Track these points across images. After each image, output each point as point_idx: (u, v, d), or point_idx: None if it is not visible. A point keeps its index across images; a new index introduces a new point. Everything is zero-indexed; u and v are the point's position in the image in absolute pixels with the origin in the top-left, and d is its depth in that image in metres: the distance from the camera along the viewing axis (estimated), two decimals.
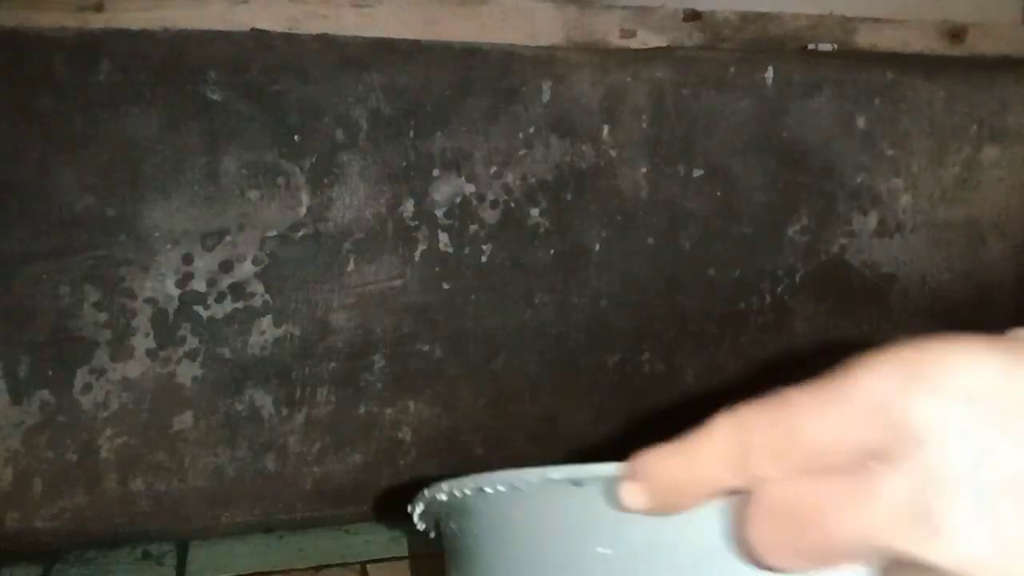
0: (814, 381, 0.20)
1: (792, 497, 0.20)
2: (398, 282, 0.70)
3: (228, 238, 0.66)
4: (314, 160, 0.66)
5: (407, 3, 0.67)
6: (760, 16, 0.76)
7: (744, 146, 0.75)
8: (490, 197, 0.71)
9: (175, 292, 0.66)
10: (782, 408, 0.20)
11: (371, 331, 0.70)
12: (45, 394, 0.65)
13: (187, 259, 0.65)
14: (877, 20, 0.78)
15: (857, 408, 0.18)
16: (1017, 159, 0.83)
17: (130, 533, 0.69)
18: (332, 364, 0.70)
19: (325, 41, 0.65)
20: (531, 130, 0.70)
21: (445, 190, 0.70)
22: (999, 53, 0.81)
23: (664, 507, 0.23)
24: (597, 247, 0.74)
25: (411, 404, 0.72)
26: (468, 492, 0.33)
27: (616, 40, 0.72)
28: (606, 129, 0.72)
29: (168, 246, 0.65)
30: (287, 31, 0.65)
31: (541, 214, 0.72)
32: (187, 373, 0.67)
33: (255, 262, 0.67)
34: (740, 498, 0.22)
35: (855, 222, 0.80)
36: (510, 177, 0.71)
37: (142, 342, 0.66)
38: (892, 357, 0.18)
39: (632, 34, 0.72)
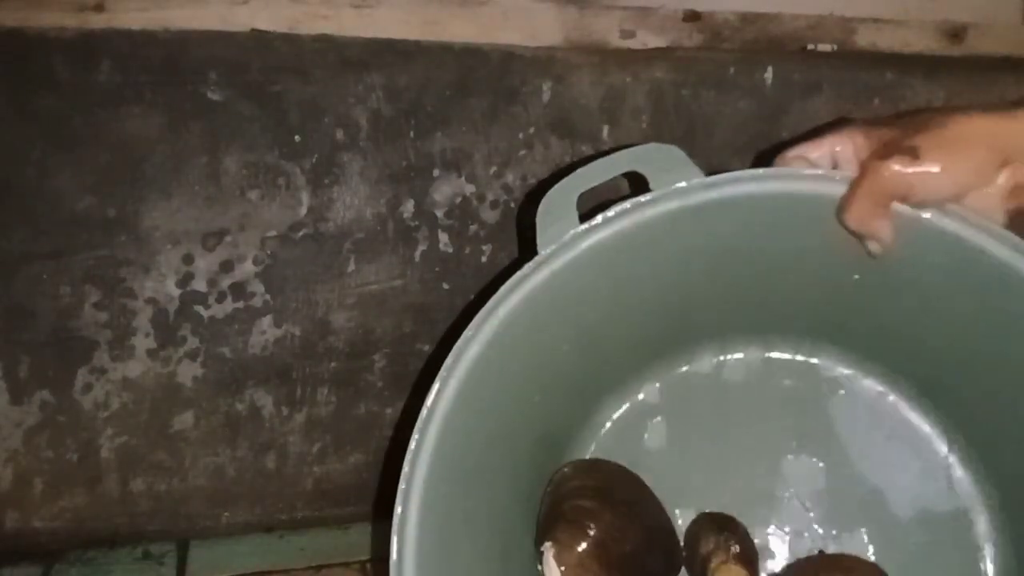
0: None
1: None
2: (398, 282, 0.70)
3: (228, 238, 0.66)
4: (314, 160, 0.66)
5: (407, 3, 0.67)
6: (760, 17, 0.76)
7: (744, 146, 0.75)
8: (490, 197, 0.71)
9: (175, 292, 0.66)
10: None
11: (371, 331, 0.70)
12: (45, 394, 0.65)
13: (188, 259, 0.65)
14: (877, 20, 0.78)
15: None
16: None
17: (130, 533, 0.69)
18: (332, 364, 0.70)
19: (325, 41, 0.65)
20: (531, 130, 0.70)
21: (445, 190, 0.70)
22: (999, 53, 0.81)
23: None
24: None
25: (411, 404, 0.73)
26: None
27: (616, 41, 0.72)
28: (606, 129, 0.72)
29: (168, 246, 0.65)
30: (287, 31, 0.65)
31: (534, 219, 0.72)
32: (187, 373, 0.67)
33: (255, 262, 0.67)
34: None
35: None
36: (510, 177, 0.71)
37: (142, 342, 0.66)
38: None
39: (632, 35, 0.72)
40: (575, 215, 0.42)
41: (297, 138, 0.66)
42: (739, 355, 0.52)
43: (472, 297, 0.72)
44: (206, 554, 0.69)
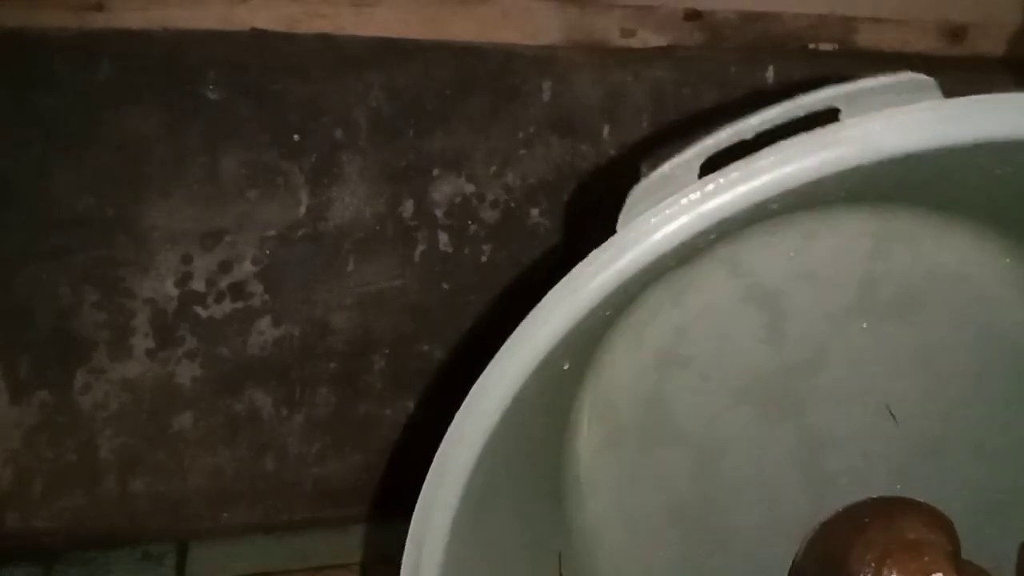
0: None
1: None
2: (398, 282, 0.70)
3: (227, 238, 0.66)
4: (313, 160, 0.66)
5: (407, 2, 0.67)
6: (761, 16, 0.75)
7: None
8: (490, 197, 0.71)
9: (174, 292, 0.66)
10: None
11: (371, 331, 0.70)
12: (45, 394, 0.65)
13: (186, 259, 0.65)
14: (878, 20, 0.78)
15: None
16: None
17: (130, 533, 0.69)
18: (332, 364, 0.70)
19: (325, 41, 0.65)
20: (531, 130, 0.70)
21: (445, 190, 0.69)
22: (999, 53, 0.81)
23: None
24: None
25: (411, 404, 0.72)
26: None
27: (616, 40, 0.72)
28: (606, 129, 0.72)
29: (167, 246, 0.65)
30: (287, 31, 0.64)
31: (541, 214, 0.72)
32: (186, 373, 0.67)
33: (254, 262, 0.67)
34: None
35: None
36: (510, 177, 0.71)
37: (141, 342, 0.66)
38: None
39: (632, 33, 0.72)
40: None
41: (296, 137, 0.66)
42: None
43: (471, 297, 0.72)
44: (205, 555, 0.69)
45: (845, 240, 0.42)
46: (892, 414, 0.43)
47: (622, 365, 0.44)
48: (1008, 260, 0.42)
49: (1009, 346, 0.43)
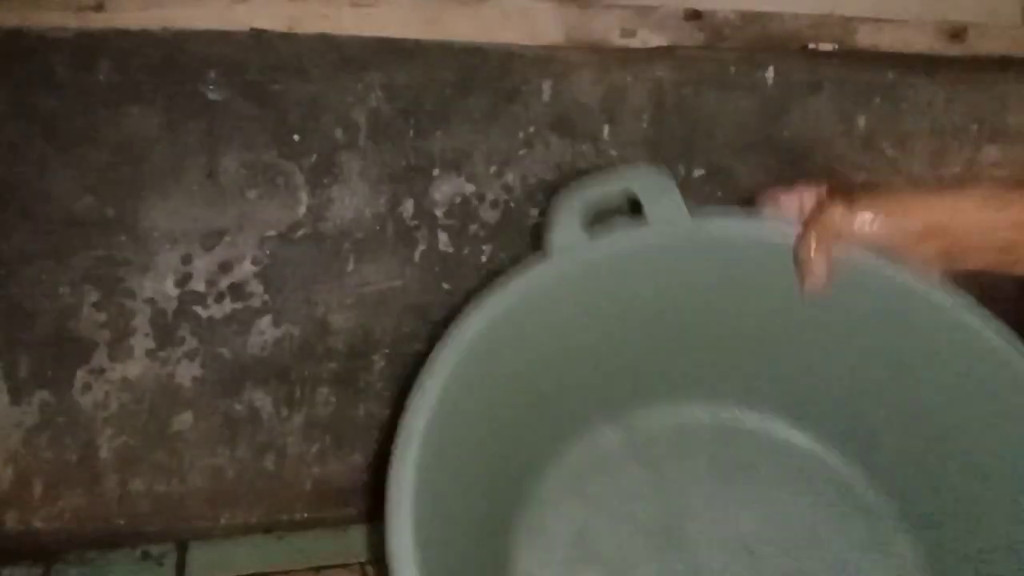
0: None
1: None
2: (398, 282, 0.70)
3: (227, 238, 0.66)
4: (313, 160, 0.66)
5: (407, 3, 0.67)
6: (761, 16, 0.75)
7: (745, 146, 0.75)
8: (490, 197, 0.71)
9: (174, 292, 0.66)
10: None
11: (371, 331, 0.70)
12: (45, 394, 0.65)
13: (186, 259, 0.65)
14: (878, 20, 0.78)
15: None
16: (1017, 159, 0.83)
17: (130, 533, 0.69)
18: (332, 364, 0.70)
19: (325, 40, 0.65)
20: (531, 130, 0.70)
21: (445, 190, 0.69)
22: (999, 53, 0.81)
23: None
24: None
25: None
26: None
27: (616, 40, 0.72)
28: (606, 129, 0.72)
29: (167, 246, 0.65)
30: (286, 31, 0.64)
31: (541, 214, 0.72)
32: (186, 373, 0.67)
33: (254, 262, 0.67)
34: None
35: None
36: (510, 177, 0.71)
37: (141, 342, 0.66)
38: None
39: (632, 33, 0.72)
40: (576, 224, 0.47)
41: (296, 137, 0.66)
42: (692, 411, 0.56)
43: (471, 297, 0.72)
44: (205, 555, 0.69)
45: (689, 434, 0.56)
46: (751, 552, 0.52)
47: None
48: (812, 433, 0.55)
49: (831, 503, 0.54)
